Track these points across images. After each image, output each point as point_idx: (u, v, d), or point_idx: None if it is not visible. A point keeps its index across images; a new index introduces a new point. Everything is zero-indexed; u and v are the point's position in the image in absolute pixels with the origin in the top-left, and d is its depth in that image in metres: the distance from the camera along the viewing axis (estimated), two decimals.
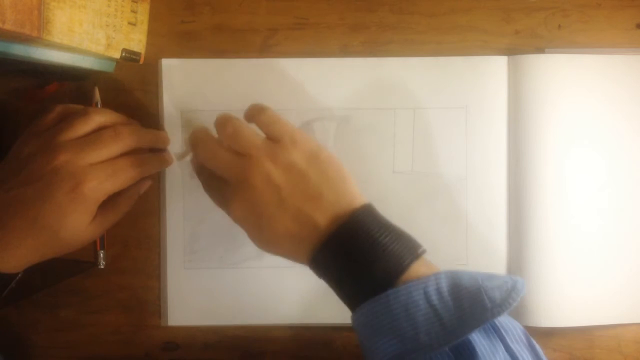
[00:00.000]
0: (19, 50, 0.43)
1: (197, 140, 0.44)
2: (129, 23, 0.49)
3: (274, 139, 0.42)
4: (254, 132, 0.43)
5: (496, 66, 0.52)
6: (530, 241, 0.51)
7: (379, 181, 0.52)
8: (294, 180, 0.41)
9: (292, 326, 0.52)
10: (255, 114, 0.44)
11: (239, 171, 0.42)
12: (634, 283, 0.51)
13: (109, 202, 0.45)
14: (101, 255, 0.51)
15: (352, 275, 0.39)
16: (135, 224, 0.51)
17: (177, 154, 0.51)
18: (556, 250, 0.50)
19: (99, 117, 0.46)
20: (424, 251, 0.40)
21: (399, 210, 0.52)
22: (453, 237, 0.52)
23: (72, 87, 0.52)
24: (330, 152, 0.43)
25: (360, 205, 0.41)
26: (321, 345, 0.52)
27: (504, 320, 0.37)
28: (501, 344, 0.36)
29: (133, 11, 0.49)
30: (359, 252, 0.38)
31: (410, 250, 0.39)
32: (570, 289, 0.51)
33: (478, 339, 0.36)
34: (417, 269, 0.38)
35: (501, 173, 0.52)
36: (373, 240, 0.38)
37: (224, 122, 0.43)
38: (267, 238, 0.42)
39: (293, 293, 0.51)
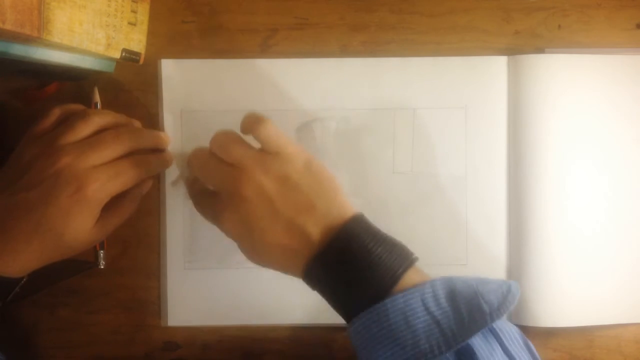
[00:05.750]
0: (19, 50, 0.43)
1: (191, 154, 0.44)
2: (129, 23, 0.49)
3: (269, 150, 0.42)
4: (246, 143, 0.43)
5: (496, 66, 0.52)
6: (530, 241, 0.51)
7: (378, 181, 0.52)
8: (286, 192, 0.41)
9: (292, 326, 0.52)
10: (253, 125, 0.42)
11: (231, 182, 0.41)
12: (634, 283, 0.51)
13: (112, 204, 0.45)
14: (101, 255, 0.51)
15: (347, 286, 0.39)
16: (135, 224, 0.51)
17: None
18: (556, 251, 0.51)
19: (99, 119, 0.46)
20: (416, 259, 0.40)
21: (399, 210, 0.52)
22: (453, 237, 0.52)
23: (72, 87, 0.52)
24: (321, 162, 0.42)
25: (352, 215, 0.40)
26: (321, 345, 0.52)
27: (500, 323, 0.37)
28: (499, 346, 0.37)
29: (133, 11, 0.49)
30: (352, 263, 0.38)
31: (403, 258, 0.39)
32: (570, 289, 0.51)
33: (477, 342, 0.36)
34: (410, 277, 0.38)
35: (501, 173, 0.52)
36: (366, 251, 0.38)
37: (216, 134, 0.43)
38: (260, 251, 0.42)
39: (293, 293, 0.51)
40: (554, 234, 0.50)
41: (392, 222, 0.52)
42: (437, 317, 0.36)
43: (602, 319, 0.51)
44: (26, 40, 0.41)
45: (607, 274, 0.51)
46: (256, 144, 0.43)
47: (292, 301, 0.51)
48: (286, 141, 0.42)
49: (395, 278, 0.38)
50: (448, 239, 0.52)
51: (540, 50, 0.52)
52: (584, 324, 0.51)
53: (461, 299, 0.37)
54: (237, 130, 0.44)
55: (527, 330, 0.50)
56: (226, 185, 0.42)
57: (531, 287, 0.50)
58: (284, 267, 0.42)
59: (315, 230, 0.40)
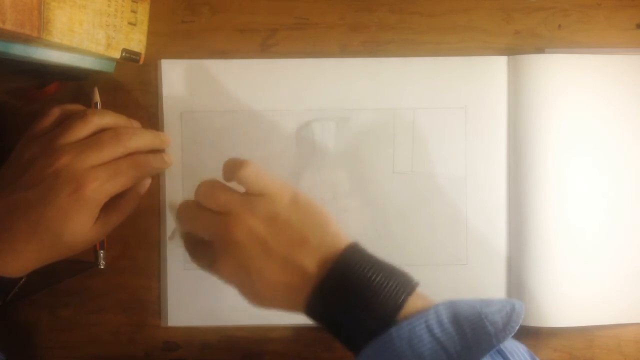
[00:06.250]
0: (19, 50, 0.43)
1: (178, 208, 0.44)
2: (129, 23, 0.49)
3: (254, 192, 0.41)
4: (230, 189, 0.42)
5: (496, 66, 0.52)
6: (530, 241, 0.51)
7: (378, 181, 0.52)
8: (277, 230, 0.40)
9: (293, 327, 0.52)
10: (233, 170, 0.42)
11: (221, 229, 0.41)
12: (634, 283, 0.51)
13: (111, 204, 0.45)
14: (101, 255, 0.51)
15: (349, 317, 0.38)
16: (135, 224, 0.51)
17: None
18: (556, 251, 0.50)
19: (99, 119, 0.46)
20: (417, 284, 0.39)
21: (399, 210, 0.52)
22: (453, 237, 0.52)
23: (72, 87, 0.52)
24: (308, 196, 0.42)
25: (346, 245, 0.40)
26: (321, 345, 0.52)
27: (508, 343, 0.37)
28: None
29: (133, 11, 0.49)
30: (353, 293, 0.38)
31: (404, 284, 0.38)
32: (570, 289, 0.51)
33: None
34: (413, 304, 0.38)
35: (501, 173, 0.52)
36: (366, 280, 0.38)
37: (200, 184, 0.43)
38: (260, 292, 0.41)
39: None
40: (554, 234, 0.50)
41: (392, 222, 0.52)
42: (442, 341, 0.36)
43: (602, 319, 0.51)
44: (26, 40, 0.41)
45: (607, 274, 0.51)
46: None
47: None
48: (269, 180, 0.42)
49: (398, 306, 0.37)
50: (448, 239, 0.52)
51: (540, 50, 0.52)
52: (584, 324, 0.51)
53: (465, 321, 0.36)
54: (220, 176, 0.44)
55: (527, 331, 0.51)
56: (217, 232, 0.41)
57: (531, 287, 0.50)
58: (286, 305, 0.41)
59: (311, 263, 0.39)
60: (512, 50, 0.52)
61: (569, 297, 0.51)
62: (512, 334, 0.36)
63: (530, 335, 0.52)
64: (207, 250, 0.43)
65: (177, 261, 0.51)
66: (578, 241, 0.51)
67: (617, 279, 0.51)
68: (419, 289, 0.39)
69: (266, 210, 0.41)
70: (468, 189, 0.52)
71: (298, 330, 0.52)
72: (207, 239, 0.42)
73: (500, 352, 0.37)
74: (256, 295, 0.41)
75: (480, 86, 0.52)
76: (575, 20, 0.52)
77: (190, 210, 0.43)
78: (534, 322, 0.50)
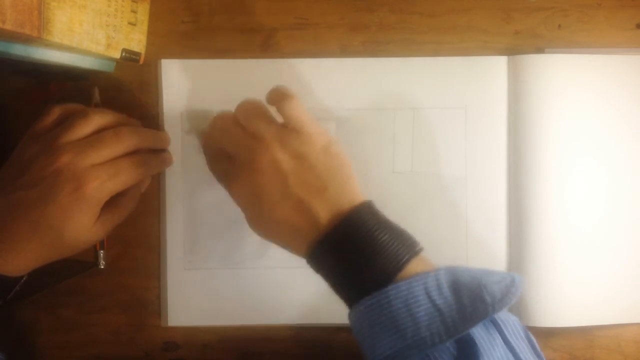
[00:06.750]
0: (19, 50, 0.43)
1: (217, 116, 0.45)
2: (129, 23, 0.49)
3: (291, 127, 0.42)
4: (270, 117, 0.43)
5: (496, 66, 0.52)
6: (530, 241, 0.51)
7: (378, 181, 0.52)
8: (301, 171, 0.41)
9: (293, 326, 0.52)
10: (279, 99, 0.43)
11: (248, 151, 0.42)
12: (634, 283, 0.51)
13: (112, 202, 0.45)
14: (101, 255, 0.51)
15: (350, 271, 0.39)
16: (135, 224, 0.51)
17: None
18: (556, 250, 0.50)
19: (99, 118, 0.46)
20: (421, 249, 0.40)
21: (399, 210, 0.51)
22: (453, 237, 0.52)
23: (72, 87, 0.52)
24: (340, 147, 0.43)
25: (361, 202, 0.41)
26: (321, 345, 0.52)
27: (502, 315, 0.38)
28: (500, 337, 0.37)
29: (133, 11, 0.49)
30: (357, 249, 0.39)
31: (408, 247, 0.39)
32: (570, 289, 0.51)
33: (478, 332, 0.36)
34: (415, 266, 0.39)
35: (501, 173, 0.52)
36: (372, 237, 0.39)
37: (243, 102, 0.44)
38: (266, 224, 0.42)
39: (293, 293, 0.51)
40: (554, 234, 0.50)
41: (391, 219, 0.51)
42: (439, 306, 0.37)
43: (602, 319, 0.51)
44: (26, 40, 0.42)
45: (607, 274, 0.51)
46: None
47: (292, 301, 0.51)
48: (309, 120, 0.43)
49: (399, 266, 0.38)
50: (448, 239, 0.52)
51: (540, 50, 0.52)
52: (584, 324, 0.51)
53: (464, 289, 0.37)
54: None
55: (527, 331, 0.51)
56: (244, 153, 0.42)
57: (531, 287, 0.50)
58: (288, 244, 0.42)
59: (323, 212, 0.40)
60: (512, 50, 0.52)
61: (569, 297, 0.51)
62: (509, 305, 0.37)
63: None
64: (226, 165, 0.44)
65: (177, 261, 0.51)
66: (578, 241, 0.51)
67: (617, 279, 0.51)
68: (423, 254, 0.40)
69: (297, 148, 0.41)
70: (468, 189, 0.52)
71: (298, 330, 0.52)
72: (231, 154, 0.43)
73: (494, 322, 0.37)
74: (262, 225, 0.42)
75: (480, 86, 0.52)
76: (575, 20, 0.52)
77: (226, 122, 0.44)
78: (534, 322, 0.50)
